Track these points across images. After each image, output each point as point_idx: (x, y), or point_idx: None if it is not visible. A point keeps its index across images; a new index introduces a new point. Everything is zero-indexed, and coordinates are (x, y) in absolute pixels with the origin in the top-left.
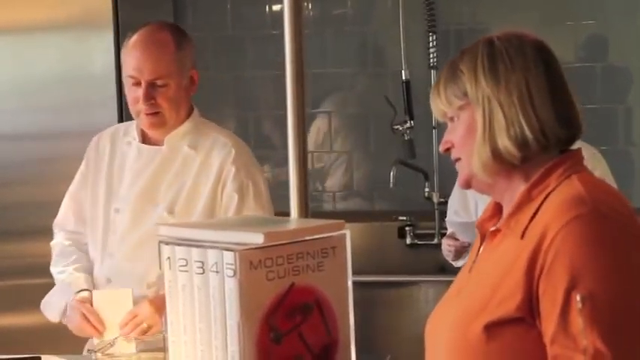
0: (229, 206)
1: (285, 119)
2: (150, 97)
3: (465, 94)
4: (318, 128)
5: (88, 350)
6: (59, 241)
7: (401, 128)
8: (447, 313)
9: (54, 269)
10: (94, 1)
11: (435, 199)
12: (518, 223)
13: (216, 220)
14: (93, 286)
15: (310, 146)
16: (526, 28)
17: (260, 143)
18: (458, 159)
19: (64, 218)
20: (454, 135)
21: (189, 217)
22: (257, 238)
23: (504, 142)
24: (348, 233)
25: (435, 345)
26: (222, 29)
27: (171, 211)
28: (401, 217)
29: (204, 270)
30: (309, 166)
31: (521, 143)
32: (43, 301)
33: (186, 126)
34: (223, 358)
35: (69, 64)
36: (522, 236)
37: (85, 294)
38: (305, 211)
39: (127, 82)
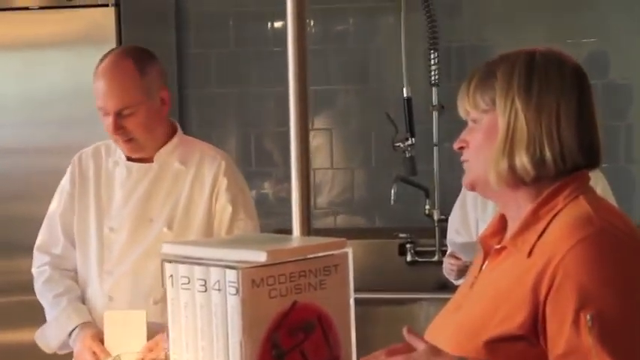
0: (223, 217)
1: (287, 136)
2: (118, 127)
3: (493, 101)
4: (319, 145)
5: None
6: (44, 267)
7: (402, 145)
8: (446, 328)
9: (43, 299)
10: (97, 18)
11: (436, 217)
12: (525, 242)
13: (218, 238)
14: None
15: (311, 163)
16: (527, 45)
17: (261, 160)
18: (467, 160)
19: (49, 240)
20: (471, 136)
21: (188, 231)
22: (260, 256)
23: (522, 158)
24: (350, 251)
25: None
26: (224, 46)
27: (170, 227)
28: (401, 235)
29: (206, 288)
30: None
31: (539, 163)
32: (37, 332)
33: (173, 142)
34: None
35: (73, 80)
36: (529, 255)
37: (95, 329)
38: (307, 229)
39: (99, 112)
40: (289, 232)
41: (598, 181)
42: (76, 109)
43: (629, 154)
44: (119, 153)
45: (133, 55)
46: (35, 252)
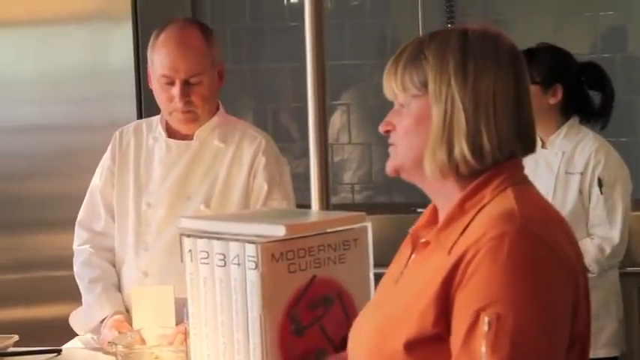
0: (259, 195)
1: (304, 111)
2: (185, 95)
3: (425, 85)
4: (337, 120)
5: (109, 343)
6: (83, 246)
7: None
8: (369, 323)
9: (80, 281)
10: None
11: None
12: (448, 238)
13: (237, 212)
14: (123, 301)
15: (329, 138)
16: (545, 19)
17: (278, 135)
18: (394, 144)
19: (91, 215)
20: (398, 120)
21: (226, 209)
22: (279, 231)
23: (462, 148)
24: (369, 225)
25: (356, 354)
26: (240, 21)
27: (207, 205)
28: (420, 209)
29: (225, 262)
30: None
31: (479, 153)
32: (71, 314)
33: (214, 121)
34: (245, 350)
35: (89, 57)
36: (450, 252)
37: (121, 316)
38: (326, 204)
39: (159, 82)
40: (308, 207)
41: (601, 158)
42: (90, 87)
43: None
44: (159, 129)
45: (197, 25)
46: (76, 227)
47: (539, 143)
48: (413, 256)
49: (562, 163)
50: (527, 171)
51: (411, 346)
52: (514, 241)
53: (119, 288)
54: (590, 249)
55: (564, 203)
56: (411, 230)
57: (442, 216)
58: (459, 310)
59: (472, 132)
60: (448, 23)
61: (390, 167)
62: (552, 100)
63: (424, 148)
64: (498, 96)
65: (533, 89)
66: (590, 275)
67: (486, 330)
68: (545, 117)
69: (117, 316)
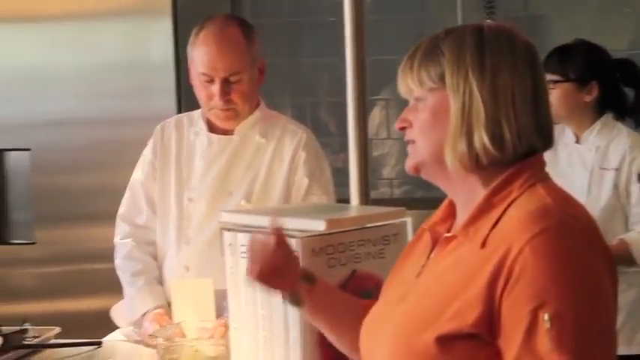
0: (299, 190)
1: (342, 106)
2: (225, 93)
3: (442, 79)
4: (376, 115)
5: (149, 335)
6: (125, 240)
7: None
8: (390, 319)
9: (122, 274)
10: None
11: None
12: (478, 232)
13: (277, 206)
14: (165, 294)
15: (368, 133)
16: (584, 15)
17: (317, 130)
18: (412, 141)
19: (132, 209)
20: (415, 116)
21: (267, 204)
22: (319, 225)
23: (482, 138)
24: (409, 221)
25: (375, 351)
26: (279, 16)
27: (248, 200)
28: None
29: None
30: None
31: (499, 143)
32: (113, 308)
33: (255, 116)
34: (285, 344)
35: (129, 51)
36: (483, 245)
37: (162, 310)
38: (365, 198)
39: (199, 79)
40: (346, 202)
41: (627, 136)
42: (130, 81)
43: None
44: (201, 124)
45: (238, 22)
46: (118, 221)
47: (573, 139)
48: (435, 250)
49: (596, 158)
50: (562, 166)
51: (443, 341)
52: (556, 235)
53: (161, 281)
54: (638, 241)
55: (599, 199)
56: (426, 226)
57: (465, 212)
58: (511, 311)
59: (492, 122)
60: (488, 18)
61: (409, 165)
62: (587, 98)
63: (443, 141)
64: (517, 92)
65: (568, 86)
66: (633, 270)
67: (548, 327)
68: (579, 114)
69: (158, 310)
